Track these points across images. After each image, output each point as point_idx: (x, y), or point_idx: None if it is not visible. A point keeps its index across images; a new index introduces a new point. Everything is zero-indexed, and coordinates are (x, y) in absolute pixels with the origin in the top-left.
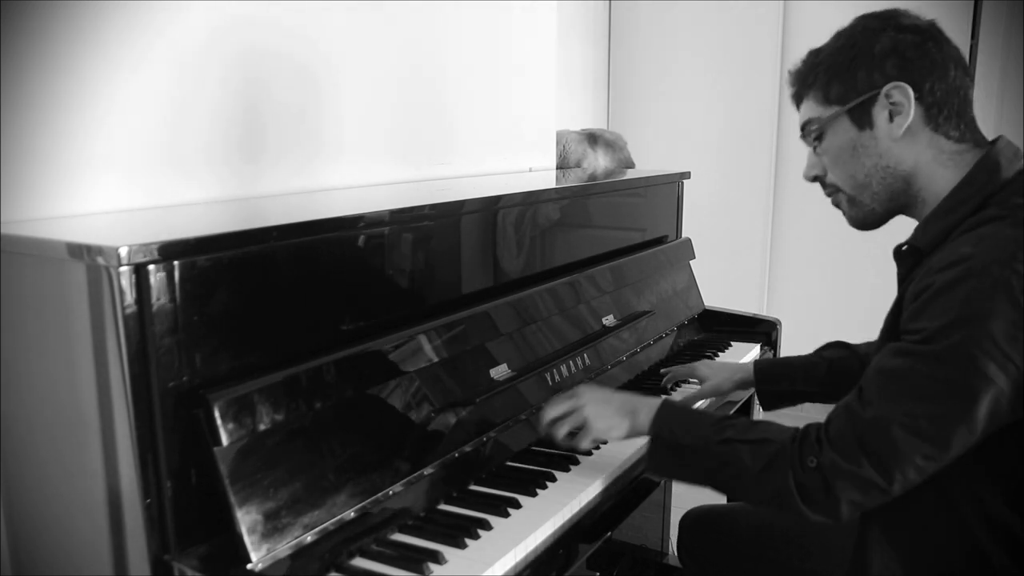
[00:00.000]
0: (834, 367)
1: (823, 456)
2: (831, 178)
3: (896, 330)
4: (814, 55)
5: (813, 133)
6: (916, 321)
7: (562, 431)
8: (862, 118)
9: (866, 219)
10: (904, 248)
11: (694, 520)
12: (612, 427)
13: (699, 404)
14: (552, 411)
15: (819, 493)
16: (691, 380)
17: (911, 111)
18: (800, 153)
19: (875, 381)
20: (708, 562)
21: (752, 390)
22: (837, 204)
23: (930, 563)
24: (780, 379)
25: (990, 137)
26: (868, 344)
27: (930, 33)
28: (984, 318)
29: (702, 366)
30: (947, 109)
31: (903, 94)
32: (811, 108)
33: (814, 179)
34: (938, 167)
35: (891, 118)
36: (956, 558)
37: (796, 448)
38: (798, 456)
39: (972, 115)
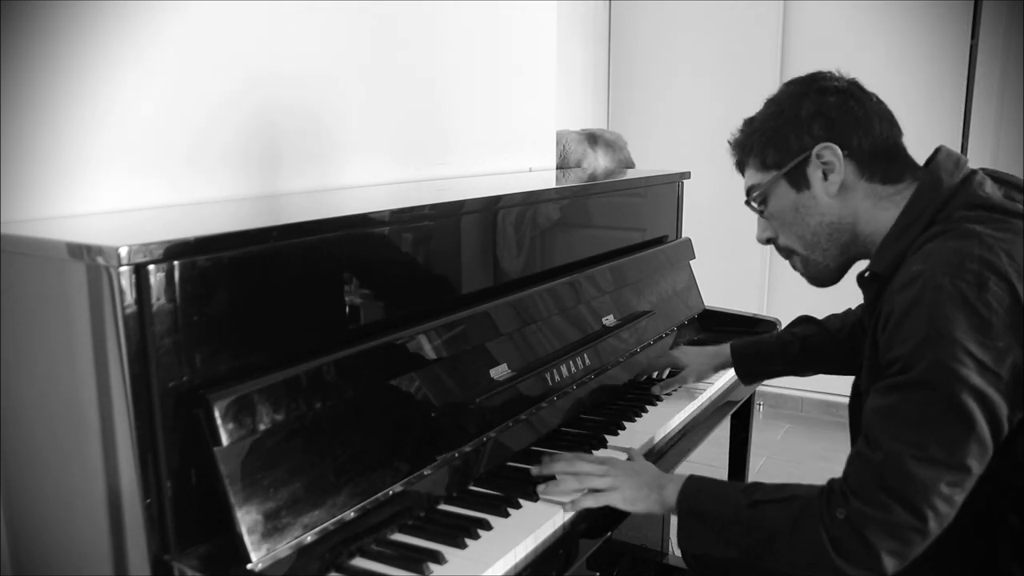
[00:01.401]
0: (807, 344)
1: (849, 506)
2: (783, 241)
3: (877, 360)
4: (748, 123)
5: (757, 199)
6: (890, 351)
7: (582, 483)
8: (799, 180)
9: (821, 275)
10: (866, 275)
11: None
12: (637, 498)
13: (693, 405)
14: (580, 465)
15: (854, 545)
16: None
17: (842, 168)
18: None
19: (875, 423)
20: (708, 555)
21: (731, 380)
22: (794, 267)
23: (933, 560)
24: (757, 359)
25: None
26: (836, 318)
27: (850, 92)
28: (949, 332)
29: (680, 354)
30: (876, 160)
31: (832, 153)
32: (752, 175)
33: (767, 241)
34: (879, 212)
35: (825, 176)
36: (962, 560)
37: (824, 501)
38: (826, 509)
39: (905, 156)
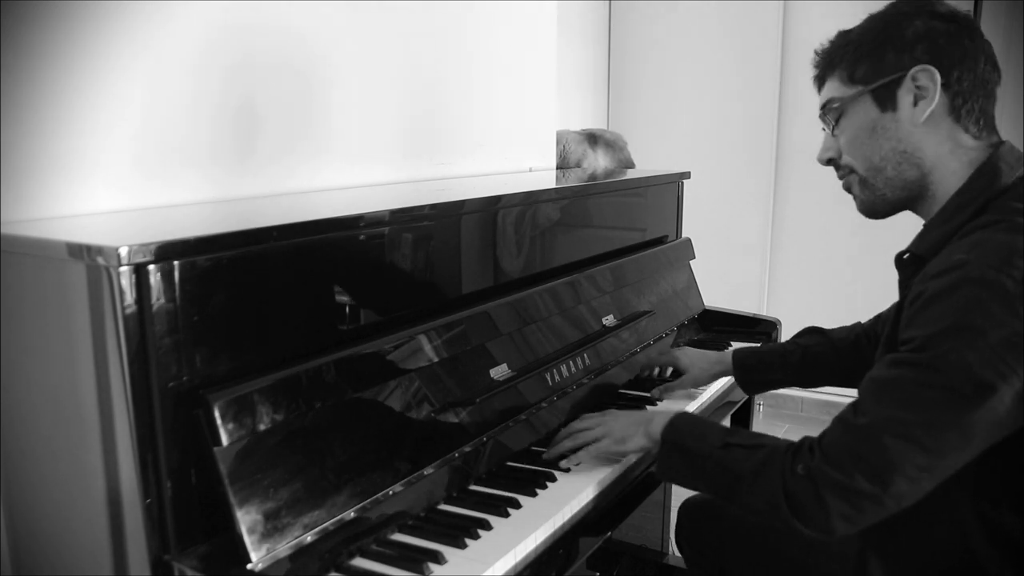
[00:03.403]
0: (808, 353)
1: (813, 463)
2: (846, 159)
3: (895, 338)
4: (844, 35)
5: (833, 112)
6: (910, 329)
7: (576, 441)
8: (886, 99)
9: (875, 204)
10: (905, 256)
11: (692, 508)
12: (628, 436)
13: (693, 405)
14: (575, 424)
15: (809, 502)
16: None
17: (935, 97)
18: (800, 153)
19: (869, 391)
20: (707, 550)
21: (732, 380)
22: (848, 187)
23: (925, 560)
24: (757, 368)
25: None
26: (842, 329)
27: (963, 23)
28: (981, 326)
29: (682, 355)
30: (971, 101)
31: (930, 78)
32: (834, 88)
33: (828, 162)
34: (953, 161)
35: (915, 102)
36: (951, 558)
37: (789, 455)
38: (790, 463)
39: (993, 112)
